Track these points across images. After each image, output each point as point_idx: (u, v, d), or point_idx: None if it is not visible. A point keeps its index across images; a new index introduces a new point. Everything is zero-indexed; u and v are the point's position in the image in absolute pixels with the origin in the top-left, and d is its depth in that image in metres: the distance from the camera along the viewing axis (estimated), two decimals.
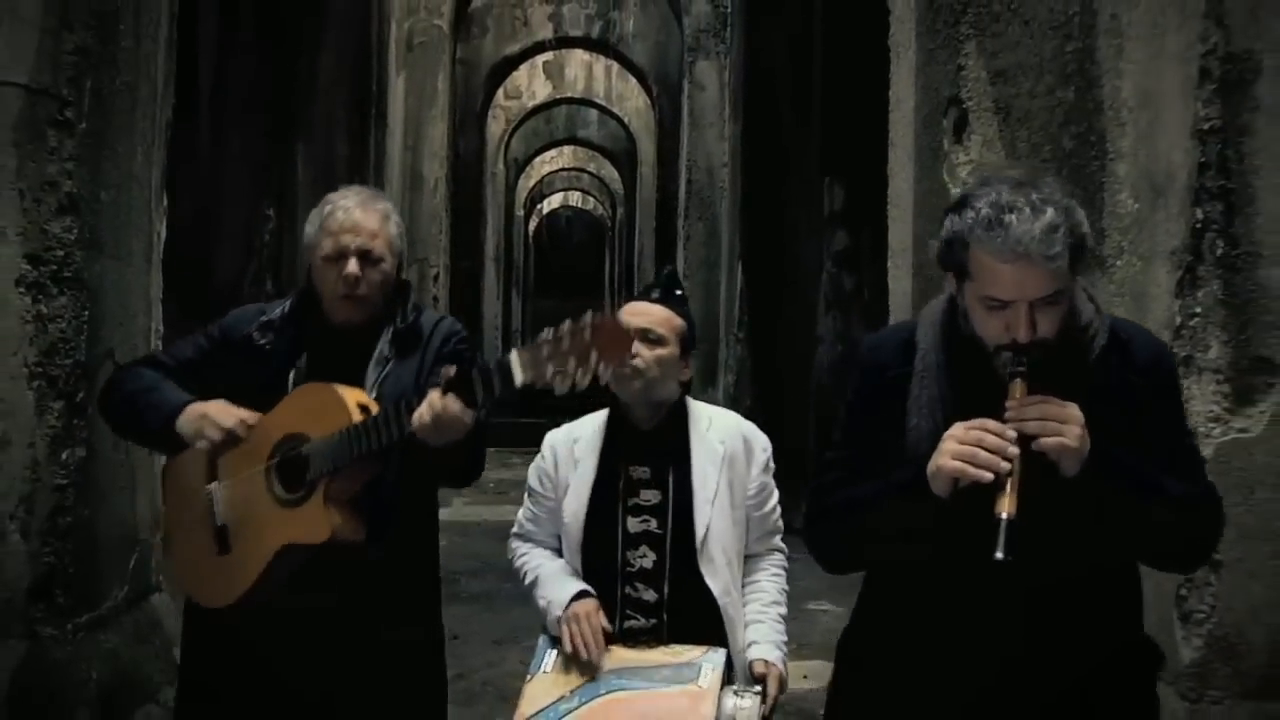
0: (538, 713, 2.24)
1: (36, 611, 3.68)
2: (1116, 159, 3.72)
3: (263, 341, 2.47)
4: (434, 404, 2.14)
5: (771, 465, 2.57)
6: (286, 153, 8.18)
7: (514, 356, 2.08)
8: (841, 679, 2.16)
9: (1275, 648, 3.10)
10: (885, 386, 1.98)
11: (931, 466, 1.80)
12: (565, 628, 2.31)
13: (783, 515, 2.64)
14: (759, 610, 2.48)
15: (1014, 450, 1.73)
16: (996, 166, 3.72)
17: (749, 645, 2.43)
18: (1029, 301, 1.79)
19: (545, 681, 2.30)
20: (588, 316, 2.03)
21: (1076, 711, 1.92)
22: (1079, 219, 1.82)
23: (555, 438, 2.57)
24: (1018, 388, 1.80)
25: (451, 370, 2.18)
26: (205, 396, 2.42)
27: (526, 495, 2.60)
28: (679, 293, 2.52)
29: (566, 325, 2.05)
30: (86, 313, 3.75)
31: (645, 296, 2.50)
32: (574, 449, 2.50)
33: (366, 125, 8.78)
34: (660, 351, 2.41)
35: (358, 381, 2.40)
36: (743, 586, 2.51)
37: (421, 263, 12.88)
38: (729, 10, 11.29)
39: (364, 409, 2.27)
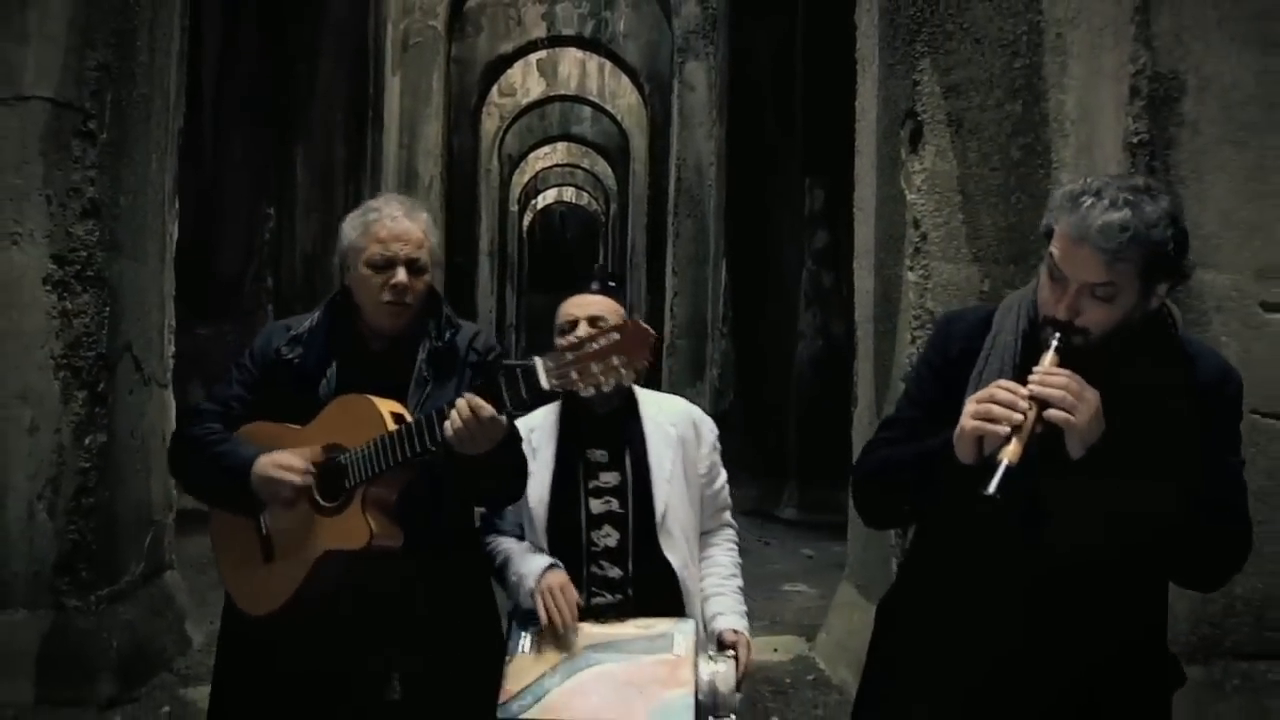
0: (522, 690, 2.29)
1: (62, 584, 4.00)
2: (1060, 168, 4.03)
3: (291, 356, 2.46)
4: (462, 408, 2.15)
5: (718, 446, 2.64)
6: (286, 155, 8.45)
7: (538, 362, 2.12)
8: (878, 638, 2.19)
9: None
10: (953, 358, 2.01)
11: (956, 432, 1.81)
12: (540, 599, 2.35)
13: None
14: (718, 583, 2.57)
15: (1024, 405, 1.76)
16: (950, 175, 4.02)
17: (714, 616, 2.52)
18: (1079, 284, 1.81)
19: (525, 661, 2.34)
20: (609, 321, 2.13)
21: (1085, 708, 1.92)
22: (1160, 235, 1.79)
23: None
24: (1049, 357, 1.82)
25: (478, 385, 2.21)
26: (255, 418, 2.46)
27: None
28: (612, 284, 2.65)
29: (586, 329, 2.15)
30: (107, 309, 4.05)
31: (586, 290, 2.59)
32: (530, 438, 2.52)
33: (364, 128, 9.05)
34: None
35: (394, 391, 2.38)
36: (700, 561, 2.58)
37: None
38: (717, 13, 11.57)
39: (399, 418, 2.29)
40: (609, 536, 2.47)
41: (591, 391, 2.08)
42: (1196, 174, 3.62)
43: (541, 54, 20.42)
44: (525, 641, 2.37)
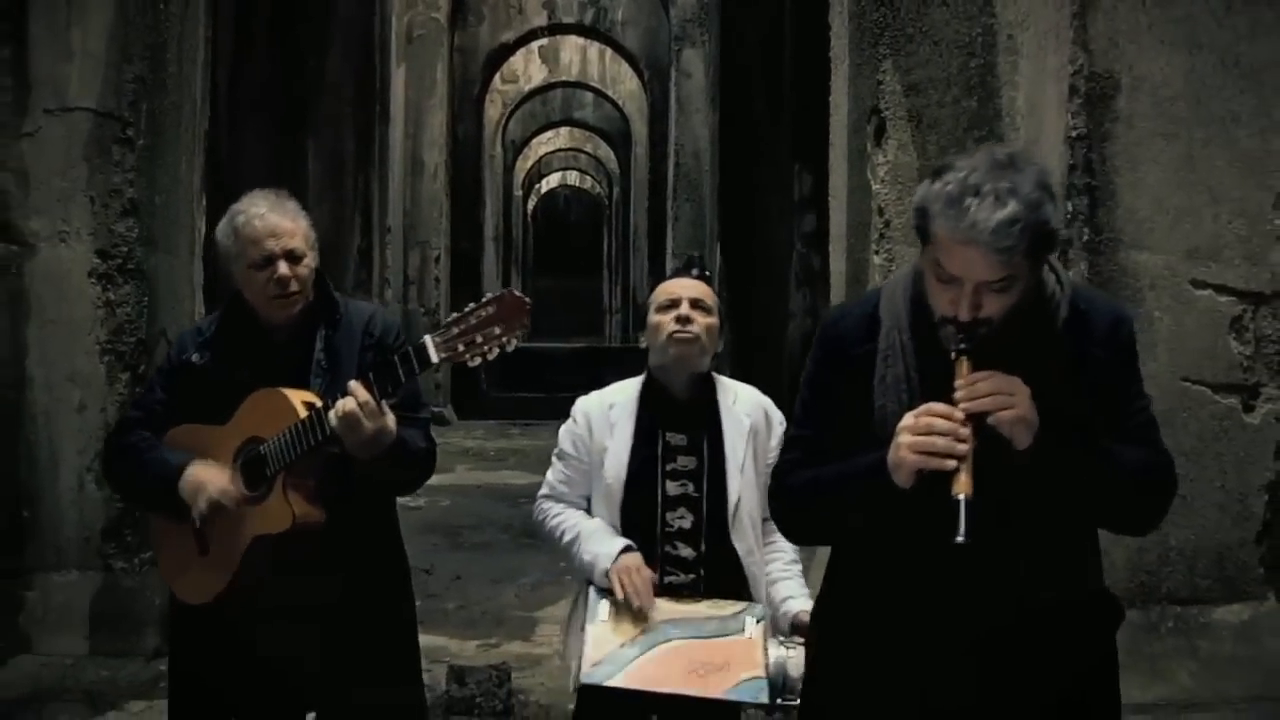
0: (603, 659, 2.39)
1: (109, 548, 4.43)
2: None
3: (200, 360, 2.55)
4: (345, 400, 2.27)
5: (784, 437, 2.61)
6: (297, 148, 8.83)
7: (428, 339, 2.25)
8: (817, 652, 2.14)
9: None
10: (848, 364, 1.95)
11: (891, 459, 1.77)
12: (616, 579, 2.42)
13: None
14: (783, 568, 2.63)
15: (966, 432, 1.72)
16: (906, 164, 4.41)
17: (784, 600, 2.58)
18: (976, 283, 1.77)
19: (604, 630, 2.42)
20: (488, 294, 2.24)
21: (1030, 653, 1.90)
22: (1045, 213, 1.76)
23: (588, 404, 2.65)
24: (963, 365, 1.78)
25: (370, 374, 2.33)
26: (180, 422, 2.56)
27: (556, 458, 2.68)
28: (707, 273, 2.68)
29: (471, 305, 2.24)
30: (146, 299, 4.46)
31: (686, 273, 2.67)
32: (609, 414, 2.59)
33: (371, 120, 9.44)
34: (710, 320, 2.57)
35: (300, 381, 2.48)
36: (765, 546, 2.63)
37: (423, 245, 13.54)
38: (709, 2, 11.93)
39: (310, 406, 2.39)
40: (684, 519, 2.53)
41: (478, 360, 2.21)
42: (1131, 165, 3.99)
43: (543, 41, 20.74)
44: (603, 610, 2.45)
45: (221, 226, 2.56)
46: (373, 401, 2.26)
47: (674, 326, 2.54)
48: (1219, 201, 4.00)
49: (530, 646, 4.44)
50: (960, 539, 1.68)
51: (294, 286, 2.48)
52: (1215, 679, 3.96)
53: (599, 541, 2.48)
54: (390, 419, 2.31)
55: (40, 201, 4.33)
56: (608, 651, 2.38)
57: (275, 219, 2.50)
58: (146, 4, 4.44)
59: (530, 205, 34.00)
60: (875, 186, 4.45)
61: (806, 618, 2.41)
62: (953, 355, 1.79)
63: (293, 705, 2.62)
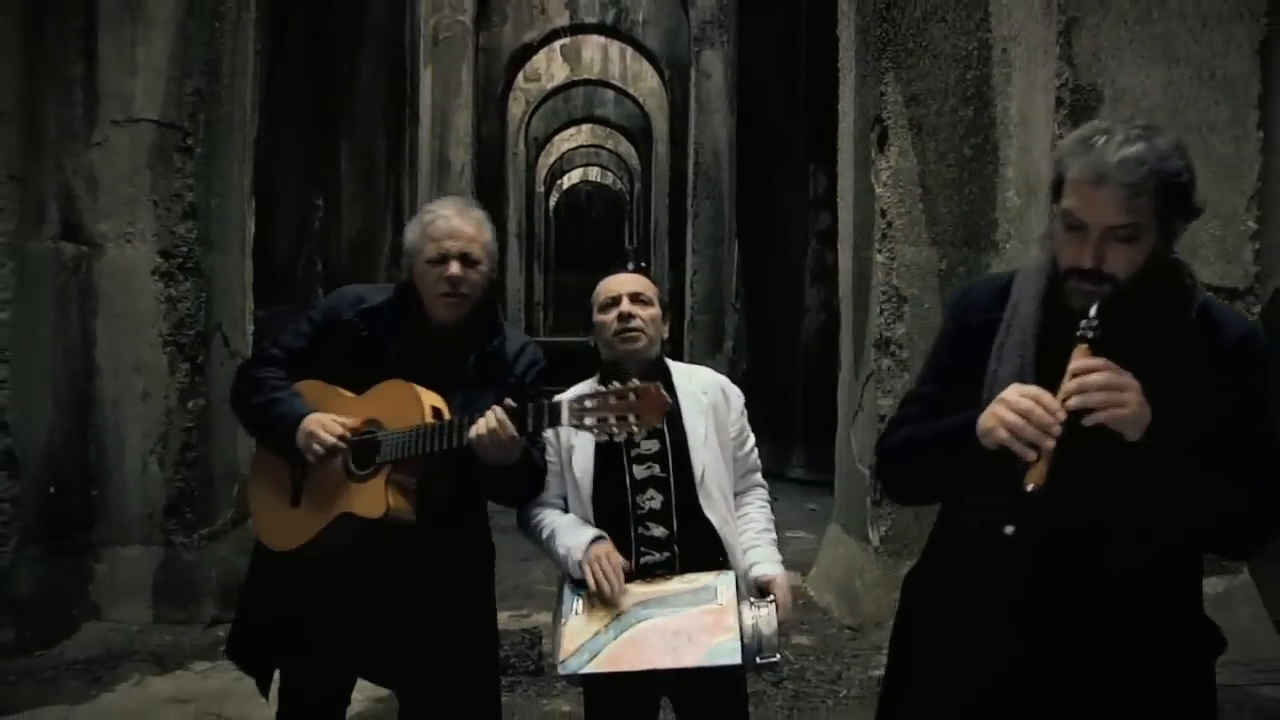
0: (579, 648, 2.42)
1: (170, 525, 4.80)
2: (1005, 164, 4.73)
3: (364, 330, 2.62)
4: (489, 420, 2.35)
5: (745, 411, 2.78)
6: (332, 150, 9.19)
7: (564, 403, 2.34)
8: (902, 616, 2.15)
9: None
10: (972, 329, 1.96)
11: (981, 423, 1.77)
12: (588, 569, 2.47)
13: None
14: (754, 536, 2.68)
15: (1058, 429, 1.69)
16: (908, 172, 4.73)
17: (751, 565, 2.62)
18: (1102, 228, 1.76)
19: (578, 623, 2.47)
20: (633, 383, 2.30)
21: (1128, 686, 1.85)
22: (1175, 166, 1.76)
23: None
24: (1081, 353, 1.73)
25: (512, 403, 2.39)
26: (313, 376, 2.64)
27: None
28: (643, 265, 3.01)
29: (615, 387, 2.30)
30: (203, 295, 4.83)
31: (624, 269, 2.76)
32: None
33: (402, 123, 9.79)
34: (651, 310, 2.64)
35: (443, 382, 2.54)
36: (737, 518, 2.70)
37: None
38: (727, 7, 12.24)
39: (437, 413, 2.46)
40: (653, 499, 2.59)
41: (605, 438, 2.32)
42: None
43: (565, 40, 21.03)
44: (577, 604, 2.50)
45: (411, 224, 2.67)
46: (512, 429, 2.36)
47: (617, 325, 2.62)
48: None
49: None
50: (1008, 530, 1.75)
51: (463, 288, 2.56)
52: None
53: (571, 534, 2.55)
54: (522, 439, 2.42)
55: (108, 205, 4.71)
56: (582, 641, 2.44)
57: (459, 223, 2.59)
58: (204, 23, 4.82)
59: (552, 201, 34.22)
60: (879, 190, 4.78)
61: (769, 578, 2.56)
62: (1076, 340, 1.75)
63: (344, 670, 2.68)
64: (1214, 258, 4.33)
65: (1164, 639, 1.85)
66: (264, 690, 2.66)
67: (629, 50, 21.23)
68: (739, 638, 2.38)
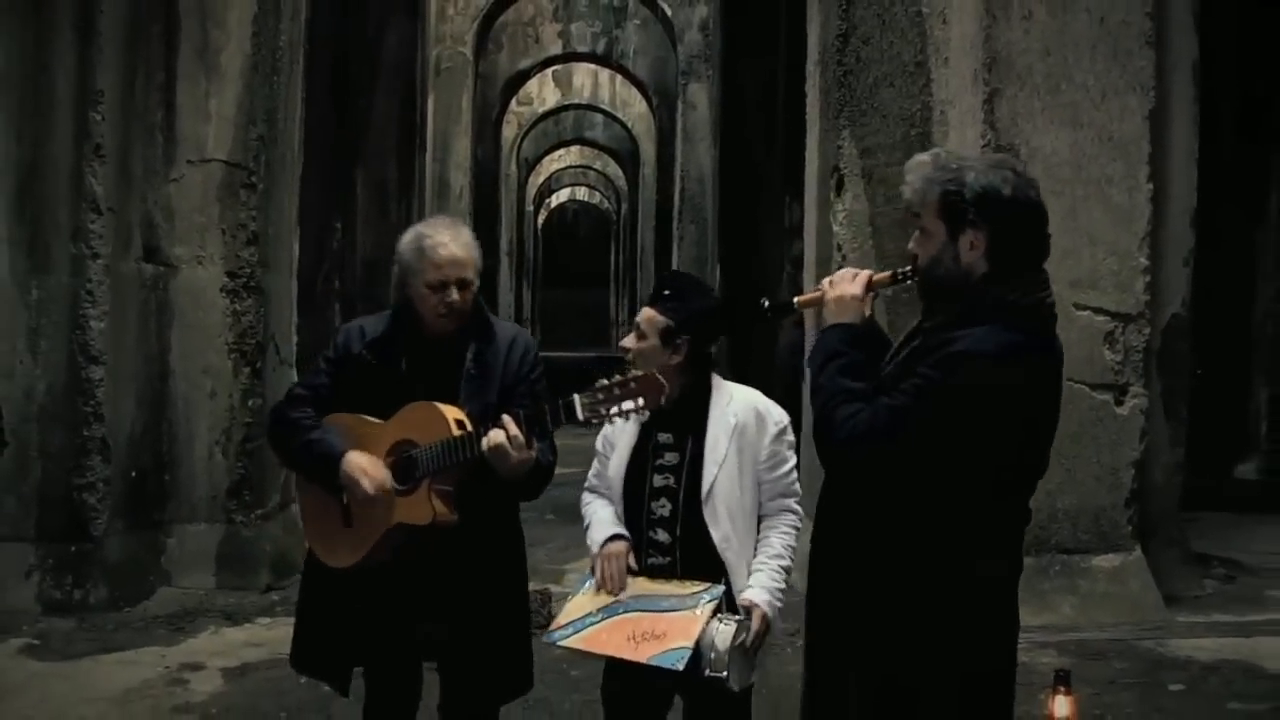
0: (569, 623, 2.75)
1: (231, 505, 5.65)
2: None
3: (372, 358, 2.88)
4: (497, 435, 2.62)
5: (787, 438, 2.85)
6: (348, 176, 10.04)
7: (576, 399, 2.60)
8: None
9: None
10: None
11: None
12: (599, 564, 2.77)
13: None
14: (763, 561, 2.77)
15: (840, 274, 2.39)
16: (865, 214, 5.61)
17: (745, 587, 2.73)
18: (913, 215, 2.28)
19: (581, 600, 2.78)
20: (632, 372, 2.62)
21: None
22: (967, 181, 2.17)
23: None
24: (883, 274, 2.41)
25: (522, 413, 2.66)
26: (338, 406, 2.88)
27: (595, 457, 2.97)
28: (666, 293, 2.86)
29: (616, 377, 2.58)
30: (263, 309, 5.68)
31: (647, 300, 2.95)
32: (622, 419, 2.79)
33: (412, 151, 10.65)
34: (641, 344, 2.80)
35: (449, 384, 2.82)
36: (756, 541, 2.80)
37: None
38: (712, 48, 13.18)
39: (461, 425, 2.73)
40: (664, 507, 2.78)
41: (617, 423, 2.65)
42: None
43: (557, 65, 21.86)
44: (588, 586, 2.80)
45: (407, 242, 2.85)
46: (521, 437, 2.63)
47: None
48: (1095, 244, 5.22)
49: (562, 587, 5.59)
50: (764, 302, 2.49)
51: (459, 307, 2.83)
52: (1091, 610, 5.16)
53: (599, 529, 2.82)
54: (533, 453, 2.69)
55: (183, 233, 5.56)
56: (575, 618, 2.74)
57: (456, 249, 2.81)
58: (265, 78, 5.68)
59: (540, 219, 34.82)
60: (836, 228, 5.65)
61: (749, 603, 2.68)
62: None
63: (413, 656, 2.96)
64: (1111, 288, 5.23)
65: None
66: (344, 690, 2.98)
67: (619, 76, 22.01)
68: (691, 648, 2.55)
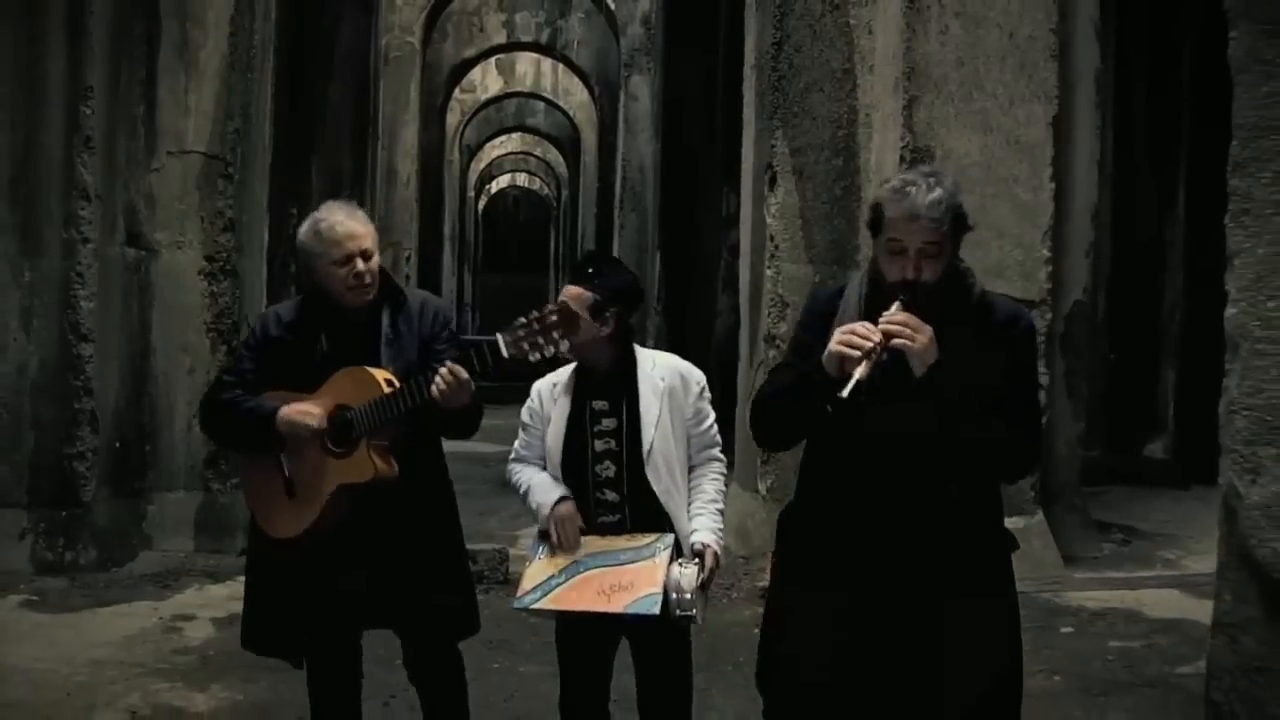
0: (535, 587, 2.89)
1: (209, 474, 6.07)
2: (866, 203, 6.10)
3: (289, 339, 3.02)
4: (445, 375, 2.75)
5: (707, 394, 3.05)
6: (304, 165, 10.34)
7: (500, 337, 2.73)
8: (781, 544, 2.67)
9: None
10: (819, 316, 2.55)
11: (825, 357, 2.35)
12: (552, 526, 2.89)
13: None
14: (700, 506, 2.97)
15: (876, 338, 2.29)
16: (786, 209, 6.12)
17: (692, 531, 2.93)
18: (917, 248, 2.35)
19: (539, 566, 2.91)
20: (549, 305, 2.74)
21: (952, 577, 2.41)
22: (959, 200, 2.40)
23: (540, 384, 3.10)
24: (895, 307, 2.34)
25: (456, 353, 2.84)
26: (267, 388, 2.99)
27: (521, 429, 3.10)
28: (590, 270, 2.99)
29: (534, 313, 2.71)
30: (238, 291, 6.10)
31: (569, 279, 3.08)
32: (554, 391, 3.03)
33: (365, 140, 10.99)
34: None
35: (370, 352, 2.96)
36: (689, 489, 2.99)
37: (395, 246, 15.02)
38: (654, 41, 13.63)
39: (390, 383, 2.87)
40: (608, 469, 2.94)
41: (538, 357, 2.72)
42: None
43: (501, 55, 22.11)
44: (542, 551, 2.94)
45: (305, 230, 3.00)
46: (465, 375, 2.78)
47: None
48: (1003, 237, 5.78)
49: (517, 550, 6.06)
50: (842, 395, 2.28)
51: (368, 279, 2.98)
52: None
53: (543, 492, 2.94)
54: (471, 390, 2.85)
55: (163, 219, 5.95)
56: (538, 582, 2.89)
57: (352, 224, 2.96)
58: (241, 75, 6.08)
59: (481, 205, 34.92)
60: (769, 220, 6.18)
61: (700, 546, 2.90)
62: (892, 304, 2.36)
63: (354, 621, 3.07)
64: (1017, 277, 5.79)
65: (978, 541, 2.48)
66: (299, 663, 3.10)
67: (561, 65, 22.29)
68: (661, 592, 2.76)
